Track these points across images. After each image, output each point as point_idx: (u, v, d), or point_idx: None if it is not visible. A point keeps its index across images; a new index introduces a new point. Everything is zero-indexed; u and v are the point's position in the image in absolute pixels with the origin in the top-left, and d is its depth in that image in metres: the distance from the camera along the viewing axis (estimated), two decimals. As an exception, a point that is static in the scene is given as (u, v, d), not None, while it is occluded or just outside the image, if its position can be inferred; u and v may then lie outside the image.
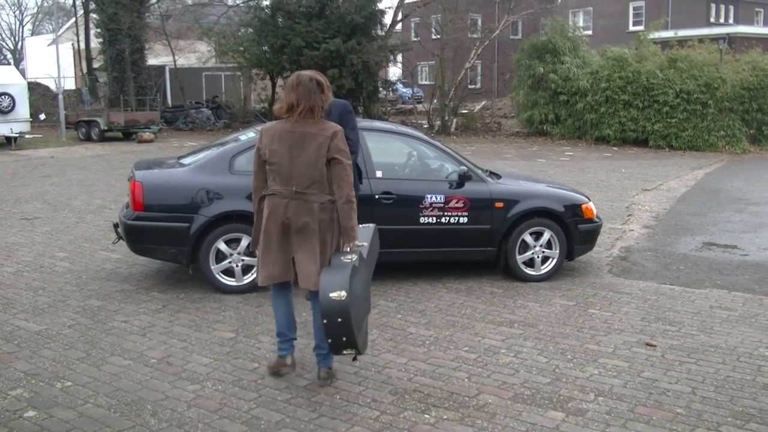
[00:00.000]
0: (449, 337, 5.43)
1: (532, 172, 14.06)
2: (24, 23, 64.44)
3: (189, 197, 6.31)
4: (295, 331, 4.58)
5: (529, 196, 7.08)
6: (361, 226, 4.41)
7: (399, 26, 31.09)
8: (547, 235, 7.01)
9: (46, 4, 53.36)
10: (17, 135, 21.58)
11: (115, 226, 6.94)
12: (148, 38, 30.92)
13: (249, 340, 5.27)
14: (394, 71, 39.39)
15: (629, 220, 10.50)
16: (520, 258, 6.98)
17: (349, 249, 4.21)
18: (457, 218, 6.76)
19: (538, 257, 7.03)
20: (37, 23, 62.37)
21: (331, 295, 3.94)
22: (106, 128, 24.07)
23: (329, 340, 4.11)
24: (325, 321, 4.00)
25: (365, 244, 4.36)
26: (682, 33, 27.14)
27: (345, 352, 4.17)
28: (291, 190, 4.22)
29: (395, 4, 29.00)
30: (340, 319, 3.96)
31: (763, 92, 21.85)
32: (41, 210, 10.73)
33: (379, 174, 6.63)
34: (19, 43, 59.32)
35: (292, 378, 4.58)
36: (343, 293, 3.93)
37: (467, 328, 5.64)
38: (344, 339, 4.06)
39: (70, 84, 35.08)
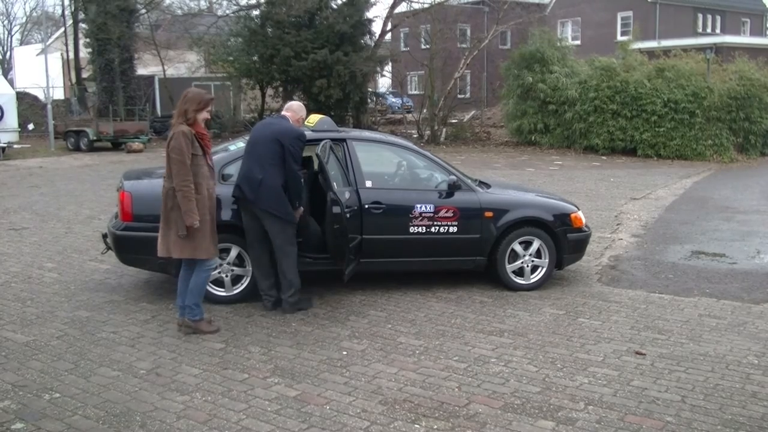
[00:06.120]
0: (439, 346, 5.43)
1: (521, 182, 14.11)
2: (13, 33, 64.33)
3: (178, 207, 6.28)
4: (183, 299, 5.57)
5: (518, 206, 7.10)
6: None
7: (388, 36, 31.20)
8: (536, 245, 7.02)
9: (35, 14, 53.29)
10: (5, 145, 21.54)
11: (104, 236, 6.91)
12: (137, 48, 30.94)
13: (238, 350, 5.26)
14: (384, 81, 39.49)
15: (618, 229, 10.55)
16: (509, 267, 6.99)
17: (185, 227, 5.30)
18: (446, 228, 6.76)
19: (527, 266, 7.04)
20: (26, 33, 62.23)
21: None
22: (95, 138, 24.04)
23: None
24: None
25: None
26: (671, 43, 27.31)
27: None
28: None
29: (384, 15, 29.14)
30: None
31: (750, 101, 21.97)
32: (29, 220, 10.68)
33: (368, 184, 6.61)
34: (8, 53, 59.13)
35: (281, 389, 4.57)
36: None
37: (457, 337, 5.64)
38: None
39: (59, 94, 34.96)
